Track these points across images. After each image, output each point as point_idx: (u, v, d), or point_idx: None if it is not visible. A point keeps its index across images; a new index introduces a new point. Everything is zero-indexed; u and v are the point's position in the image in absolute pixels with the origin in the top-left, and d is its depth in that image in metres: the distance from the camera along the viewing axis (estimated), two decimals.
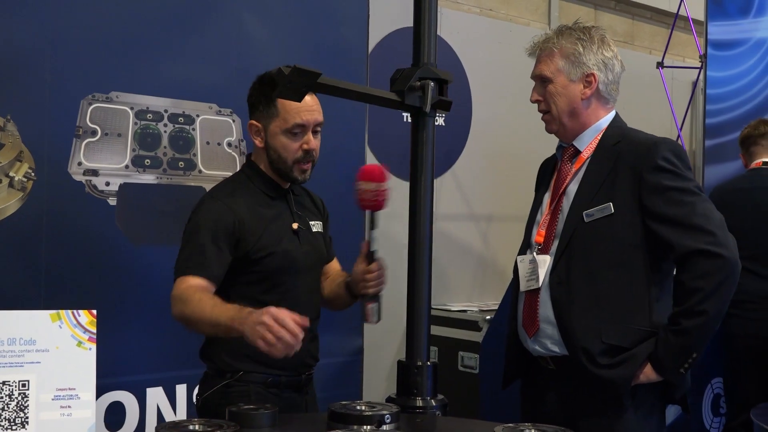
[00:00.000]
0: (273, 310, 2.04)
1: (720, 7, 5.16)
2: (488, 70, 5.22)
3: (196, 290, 2.32)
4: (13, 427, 1.60)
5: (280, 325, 2.01)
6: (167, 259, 3.25)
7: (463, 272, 5.20)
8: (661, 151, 2.40)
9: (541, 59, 2.56)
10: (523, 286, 2.53)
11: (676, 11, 5.76)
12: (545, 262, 2.47)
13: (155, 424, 3.21)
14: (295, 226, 2.57)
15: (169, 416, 3.28)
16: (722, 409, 4.53)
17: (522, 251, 2.61)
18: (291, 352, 2.01)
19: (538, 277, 2.47)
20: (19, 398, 1.61)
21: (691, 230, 2.34)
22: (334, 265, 2.78)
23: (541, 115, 2.61)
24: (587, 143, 2.54)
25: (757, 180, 4.22)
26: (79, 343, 1.66)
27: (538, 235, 2.54)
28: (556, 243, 2.48)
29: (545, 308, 2.47)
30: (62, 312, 1.65)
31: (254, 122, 2.56)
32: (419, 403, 2.10)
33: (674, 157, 2.41)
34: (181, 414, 3.30)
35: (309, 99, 2.45)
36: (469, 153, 5.19)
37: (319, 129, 2.55)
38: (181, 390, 3.31)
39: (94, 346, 1.67)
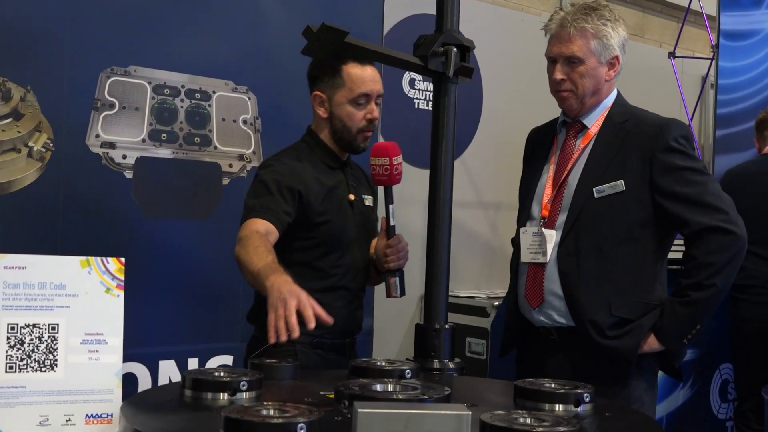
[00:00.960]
0: (304, 297, 2.04)
1: None
2: (499, 59, 5.24)
3: (259, 236, 2.33)
4: (43, 369, 1.62)
5: (297, 310, 2.00)
6: (181, 232, 3.31)
7: (472, 260, 5.21)
8: (672, 132, 2.46)
9: (573, 38, 2.51)
10: (526, 257, 2.55)
11: (687, 4, 5.78)
12: (552, 236, 2.50)
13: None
14: (351, 197, 2.63)
15: None
16: (730, 395, 4.55)
17: (522, 223, 2.63)
18: (282, 337, 1.97)
19: (545, 251, 2.49)
20: (49, 341, 1.64)
21: (705, 208, 2.41)
22: (372, 242, 2.78)
23: (559, 92, 2.59)
24: (594, 120, 2.57)
25: (767, 165, 4.23)
26: (108, 290, 1.68)
27: (544, 209, 2.56)
28: (563, 217, 2.51)
29: (551, 281, 2.50)
30: (91, 258, 1.68)
31: (318, 93, 2.61)
32: (437, 365, 2.12)
33: (684, 137, 2.48)
34: None
35: (371, 71, 2.51)
36: (478, 142, 5.21)
37: (379, 101, 2.60)
38: (193, 363, 3.33)
39: (122, 293, 1.69)
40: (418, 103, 4.88)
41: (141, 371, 3.20)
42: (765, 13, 5.30)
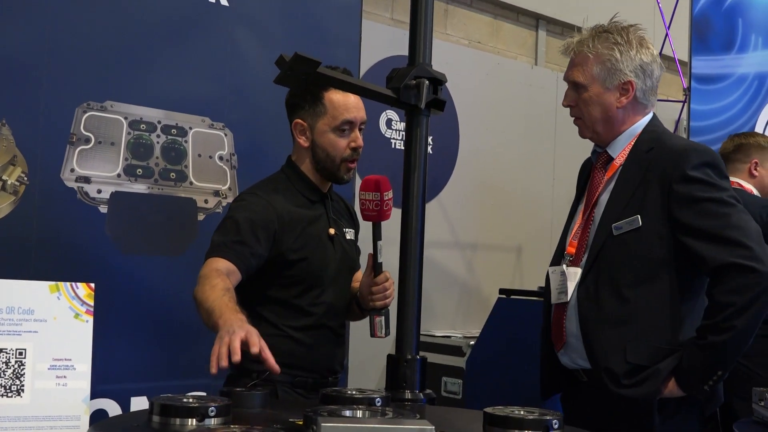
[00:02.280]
0: (254, 334, 1.96)
1: (704, 43, 5.29)
2: (475, 101, 5.31)
3: (218, 274, 2.26)
4: (9, 395, 1.61)
5: (237, 344, 1.92)
6: (155, 267, 3.29)
7: (447, 300, 5.22)
8: (691, 159, 2.29)
9: (575, 63, 2.45)
10: (554, 298, 2.46)
11: (660, 49, 5.87)
12: (576, 274, 2.40)
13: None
14: (332, 231, 2.55)
15: None
16: None
17: (555, 261, 2.52)
18: (223, 362, 1.91)
19: (567, 291, 2.40)
20: (16, 366, 1.62)
21: (724, 243, 2.23)
22: (357, 276, 2.74)
23: (573, 120, 2.51)
24: (620, 149, 2.44)
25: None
26: (77, 315, 1.67)
27: (570, 246, 2.46)
28: (586, 255, 2.40)
29: (571, 323, 2.41)
30: (61, 284, 1.67)
31: (300, 121, 2.54)
32: (408, 395, 2.10)
33: (706, 165, 2.30)
34: None
35: (354, 97, 2.46)
36: (455, 182, 5.25)
37: (363, 127, 2.54)
38: None
39: (91, 319, 1.69)
40: (395, 143, 4.91)
41: (112, 407, 3.17)
42: (735, 58, 5.41)
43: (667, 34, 5.50)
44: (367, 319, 2.56)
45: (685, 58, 5.43)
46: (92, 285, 1.69)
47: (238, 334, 1.92)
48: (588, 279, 2.37)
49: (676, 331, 2.32)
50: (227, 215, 2.49)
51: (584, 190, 2.54)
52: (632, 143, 2.43)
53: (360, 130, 2.54)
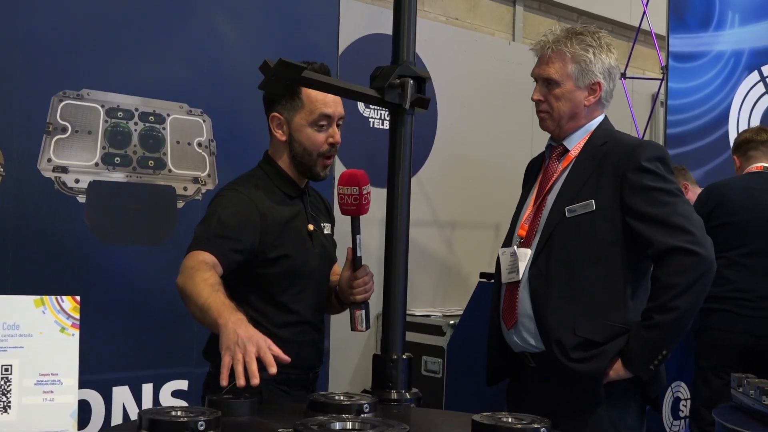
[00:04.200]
0: (263, 342, 1.96)
1: (681, 21, 5.29)
2: (453, 78, 5.29)
3: (207, 267, 2.23)
4: None
5: (254, 359, 1.92)
6: (134, 258, 3.27)
7: (427, 278, 5.24)
8: (646, 152, 2.45)
9: (551, 60, 2.56)
10: (505, 278, 2.56)
11: (638, 25, 5.88)
12: (526, 255, 2.50)
13: (121, 422, 3.19)
14: (310, 227, 2.54)
15: (135, 416, 3.26)
16: (682, 412, 4.61)
17: (505, 245, 2.63)
18: (240, 382, 1.89)
19: (518, 270, 2.50)
20: (2, 382, 1.61)
21: (670, 228, 2.39)
22: (335, 269, 2.72)
23: (537, 113, 2.62)
24: (576, 142, 2.58)
25: (759, 182, 4.24)
26: (63, 329, 1.66)
27: (521, 229, 2.57)
28: (537, 237, 2.51)
29: (524, 301, 2.50)
30: (46, 297, 1.65)
31: (276, 114, 2.49)
32: (394, 396, 2.11)
33: (657, 159, 2.46)
34: None
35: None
36: (433, 160, 5.24)
37: (341, 122, 2.51)
38: (147, 389, 3.30)
39: (77, 332, 1.67)
40: (373, 122, 4.90)
41: (94, 398, 3.16)
42: (712, 35, 5.42)
43: (644, 12, 5.49)
44: (347, 312, 2.56)
45: (663, 33, 5.43)
46: (77, 298, 1.67)
47: (250, 351, 1.92)
48: (539, 259, 2.48)
49: (623, 308, 2.44)
50: (209, 211, 2.44)
51: (533, 183, 2.67)
52: (587, 137, 2.58)
53: (338, 125, 2.51)
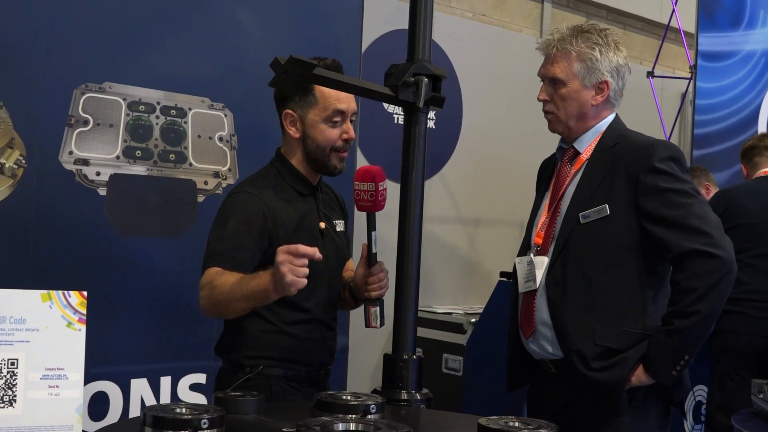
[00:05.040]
0: (283, 247, 2.05)
1: (711, 20, 5.22)
2: (479, 74, 5.26)
3: (221, 274, 2.27)
4: (1, 405, 1.60)
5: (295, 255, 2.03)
6: (154, 250, 3.29)
7: (449, 275, 5.22)
8: (658, 153, 2.39)
9: (556, 60, 2.51)
10: (521, 287, 2.52)
11: (667, 23, 5.81)
12: (543, 263, 2.46)
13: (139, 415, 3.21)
14: (322, 225, 2.53)
15: None
16: (704, 416, 4.56)
17: (522, 252, 2.59)
18: (299, 284, 2.03)
19: (535, 278, 2.46)
20: (8, 376, 1.62)
21: (687, 231, 2.32)
22: (349, 265, 2.73)
23: (544, 114, 2.58)
24: (587, 144, 2.53)
25: (767, 185, 4.25)
26: (69, 324, 1.66)
27: (537, 237, 2.52)
28: (553, 244, 2.46)
29: (541, 310, 2.46)
30: (53, 292, 1.65)
31: (290, 111, 2.49)
32: (404, 396, 2.10)
33: (671, 159, 2.40)
34: None
35: None
36: (458, 157, 5.22)
37: (354, 118, 2.51)
38: (165, 381, 3.32)
39: (83, 327, 1.67)
40: (397, 118, 4.88)
41: (113, 389, 3.19)
42: (742, 35, 5.35)
43: (673, 10, 5.43)
44: (362, 308, 2.55)
45: (692, 30, 5.36)
46: (85, 293, 1.67)
47: (295, 261, 2.05)
48: (556, 267, 2.44)
49: (642, 314, 2.39)
50: (221, 216, 2.45)
51: (546, 186, 2.62)
52: (598, 139, 2.52)
53: (351, 121, 2.50)
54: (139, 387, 3.26)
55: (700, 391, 4.56)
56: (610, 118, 2.56)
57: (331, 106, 2.44)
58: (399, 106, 2.11)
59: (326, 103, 2.44)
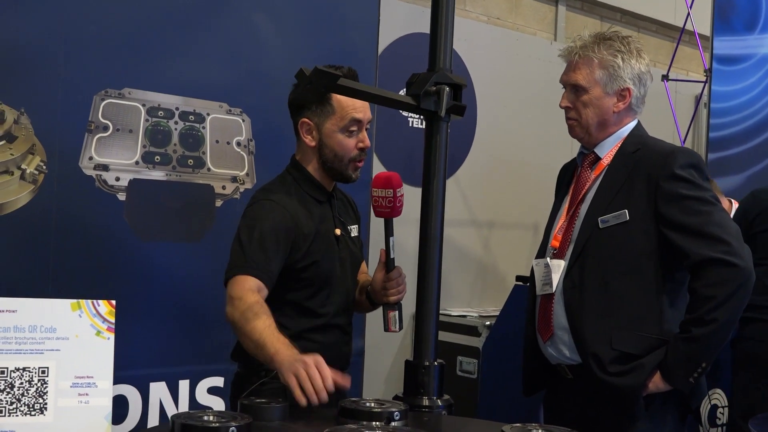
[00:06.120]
0: (319, 358, 2.03)
1: (726, 23, 5.21)
2: (494, 77, 5.27)
3: (255, 298, 2.26)
4: (32, 413, 1.63)
5: (317, 371, 1.99)
6: (173, 255, 3.31)
7: (464, 278, 5.23)
8: (678, 160, 2.39)
9: (578, 66, 2.52)
10: (539, 290, 2.53)
11: (682, 25, 5.80)
12: (560, 266, 2.47)
13: (157, 418, 3.23)
14: (338, 232, 2.55)
15: (171, 411, 3.30)
16: (719, 420, 4.55)
17: (539, 255, 2.60)
18: (313, 399, 1.96)
19: (552, 282, 2.47)
20: (39, 385, 1.64)
21: (706, 239, 2.33)
22: (363, 268, 2.75)
23: (567, 120, 2.59)
24: (608, 150, 2.53)
25: None
26: (98, 333, 1.69)
27: (555, 240, 2.54)
28: (571, 248, 2.47)
29: (558, 314, 2.47)
30: (82, 301, 1.68)
31: (306, 120, 2.50)
32: (426, 402, 2.12)
33: (691, 166, 2.40)
34: (183, 409, 3.32)
35: None
36: (472, 160, 5.23)
37: (368, 126, 2.52)
38: (183, 385, 3.34)
39: (112, 336, 1.70)
40: (412, 122, 4.89)
41: (132, 393, 3.20)
42: (758, 38, 5.34)
43: (688, 13, 5.43)
44: (381, 312, 2.57)
45: (707, 33, 5.35)
46: (113, 302, 1.70)
47: (312, 368, 2.00)
48: (573, 270, 2.45)
49: (659, 320, 2.40)
50: (247, 223, 2.45)
51: (566, 190, 2.63)
52: (619, 145, 2.53)
53: (366, 129, 2.52)
54: (158, 390, 3.28)
55: (715, 395, 4.55)
56: (632, 124, 2.56)
57: (348, 116, 2.45)
58: (420, 114, 2.13)
59: (343, 113, 2.45)
